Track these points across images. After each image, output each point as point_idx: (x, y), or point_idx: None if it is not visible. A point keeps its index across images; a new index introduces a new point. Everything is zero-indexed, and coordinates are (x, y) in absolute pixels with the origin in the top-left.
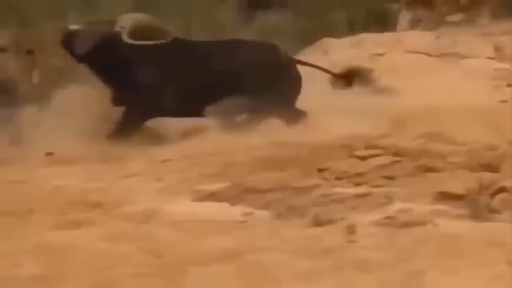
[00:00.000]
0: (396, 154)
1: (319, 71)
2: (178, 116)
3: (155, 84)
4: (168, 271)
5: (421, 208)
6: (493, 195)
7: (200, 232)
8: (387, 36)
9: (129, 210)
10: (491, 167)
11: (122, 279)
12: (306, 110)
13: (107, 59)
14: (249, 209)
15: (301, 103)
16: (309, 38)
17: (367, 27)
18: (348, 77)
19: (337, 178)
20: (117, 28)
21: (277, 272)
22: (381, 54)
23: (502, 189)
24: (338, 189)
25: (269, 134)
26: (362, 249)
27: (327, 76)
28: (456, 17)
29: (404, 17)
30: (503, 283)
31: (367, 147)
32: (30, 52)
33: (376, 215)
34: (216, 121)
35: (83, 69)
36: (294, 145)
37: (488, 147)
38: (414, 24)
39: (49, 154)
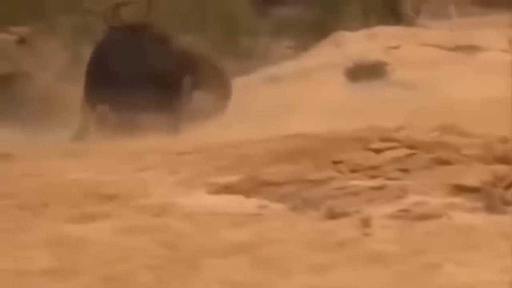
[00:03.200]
0: (410, 146)
1: (334, 65)
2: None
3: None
4: (183, 263)
5: (435, 201)
6: (507, 187)
7: (215, 225)
8: (401, 29)
9: (144, 203)
10: (506, 160)
11: (136, 271)
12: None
13: None
14: (264, 202)
15: (312, 95)
16: (323, 31)
17: (381, 20)
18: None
19: (352, 171)
20: None
21: (292, 265)
22: (395, 47)
23: None
24: (353, 182)
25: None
26: (377, 242)
27: (342, 68)
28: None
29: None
30: None
31: (381, 140)
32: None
33: (391, 208)
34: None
35: None
36: (309, 138)
37: (503, 139)
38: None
39: None
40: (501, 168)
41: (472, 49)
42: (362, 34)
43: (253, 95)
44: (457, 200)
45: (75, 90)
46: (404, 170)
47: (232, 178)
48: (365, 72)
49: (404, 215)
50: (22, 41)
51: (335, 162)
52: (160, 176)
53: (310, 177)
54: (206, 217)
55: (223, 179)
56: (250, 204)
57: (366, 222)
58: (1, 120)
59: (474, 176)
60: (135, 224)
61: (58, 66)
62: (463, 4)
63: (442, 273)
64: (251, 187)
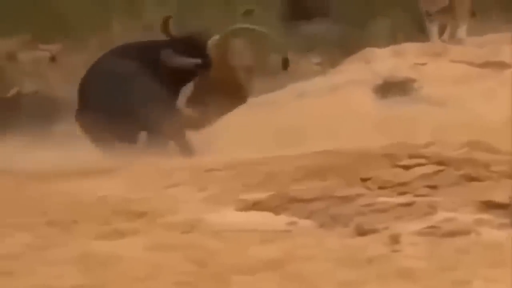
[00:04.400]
0: (439, 163)
1: (363, 81)
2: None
3: None
4: (212, 280)
5: (464, 217)
6: None
7: (244, 242)
8: (430, 45)
9: (173, 220)
10: None
11: None
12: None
13: None
14: (292, 219)
15: (341, 112)
16: (351, 48)
17: (409, 37)
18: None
19: (380, 188)
20: None
21: (320, 282)
22: (424, 64)
23: None
24: (381, 199)
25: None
26: (405, 259)
27: (370, 85)
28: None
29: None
30: None
31: (410, 157)
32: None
33: (420, 225)
34: None
35: None
36: (337, 154)
37: None
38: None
39: None
40: None
41: (500, 65)
42: (390, 50)
43: (281, 111)
44: (485, 216)
45: None
46: (433, 187)
47: (261, 195)
48: (393, 88)
49: (432, 231)
50: (53, 58)
51: (363, 179)
52: (189, 193)
53: (338, 193)
54: (235, 234)
55: (252, 196)
56: (279, 221)
57: (394, 239)
58: (32, 138)
59: (502, 192)
60: (164, 241)
61: None
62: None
63: None
64: (280, 204)
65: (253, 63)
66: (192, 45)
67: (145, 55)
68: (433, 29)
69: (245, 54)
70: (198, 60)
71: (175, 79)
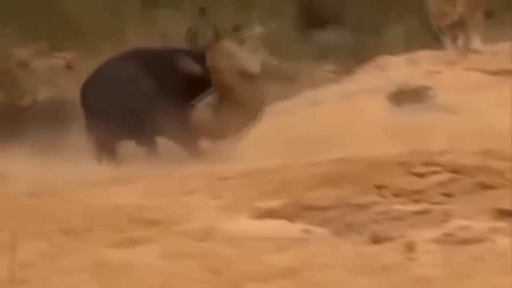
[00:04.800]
0: (454, 171)
1: (377, 89)
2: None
3: None
4: None
5: (479, 225)
6: None
7: (259, 250)
8: (444, 53)
9: (188, 228)
10: None
11: None
12: None
13: None
14: (307, 227)
15: (355, 119)
16: (365, 55)
17: (424, 44)
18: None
19: (395, 195)
20: None
21: None
22: (438, 72)
23: None
24: (396, 206)
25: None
26: (421, 267)
27: (385, 92)
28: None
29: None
30: None
31: (425, 164)
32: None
33: (435, 232)
34: None
35: None
36: (352, 162)
37: None
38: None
39: None
40: None
41: None
42: (404, 58)
43: (295, 119)
44: (500, 224)
45: None
46: (448, 195)
47: (275, 203)
48: (408, 96)
49: (448, 239)
50: (69, 66)
51: (378, 187)
52: (204, 200)
53: (353, 201)
54: (249, 241)
55: (267, 204)
56: (294, 228)
57: (410, 247)
58: (47, 146)
59: None
60: (178, 248)
61: None
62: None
63: None
64: (295, 212)
65: (260, 71)
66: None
67: (157, 60)
68: (446, 40)
69: (252, 61)
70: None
71: (190, 87)
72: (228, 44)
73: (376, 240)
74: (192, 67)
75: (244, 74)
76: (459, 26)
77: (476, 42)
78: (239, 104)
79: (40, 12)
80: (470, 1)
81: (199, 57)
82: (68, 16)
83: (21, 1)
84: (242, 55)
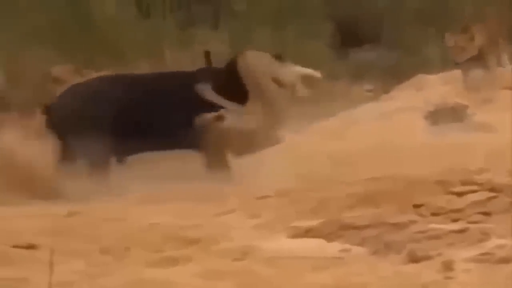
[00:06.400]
0: (492, 189)
1: (415, 108)
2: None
3: None
4: None
5: None
6: None
7: (297, 269)
8: (480, 72)
9: (225, 247)
10: None
11: None
12: None
13: None
14: (345, 246)
15: (393, 138)
16: (402, 74)
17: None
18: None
19: (433, 214)
20: None
21: None
22: (475, 90)
23: None
24: (434, 225)
25: None
26: (459, 285)
27: (422, 111)
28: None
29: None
30: None
31: (463, 183)
32: None
33: (473, 251)
34: None
35: None
36: (389, 181)
37: None
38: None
39: None
40: None
41: None
42: (442, 77)
43: (333, 138)
44: None
45: None
46: (486, 213)
47: (313, 222)
48: (445, 115)
49: (486, 258)
50: None
51: (416, 206)
52: (241, 220)
53: (391, 220)
54: (287, 261)
55: (305, 223)
56: (332, 248)
57: (448, 266)
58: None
59: None
60: (216, 268)
61: None
62: None
63: None
64: (332, 231)
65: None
66: (229, 78)
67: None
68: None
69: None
70: (229, 106)
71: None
72: (261, 53)
73: (414, 259)
74: (210, 96)
75: (275, 80)
76: (478, 60)
77: (505, 61)
78: (268, 105)
79: (80, 34)
80: (489, 32)
81: (219, 72)
82: (106, 36)
83: (62, 23)
84: (276, 64)
